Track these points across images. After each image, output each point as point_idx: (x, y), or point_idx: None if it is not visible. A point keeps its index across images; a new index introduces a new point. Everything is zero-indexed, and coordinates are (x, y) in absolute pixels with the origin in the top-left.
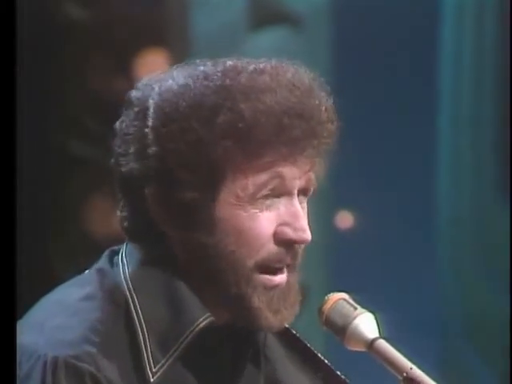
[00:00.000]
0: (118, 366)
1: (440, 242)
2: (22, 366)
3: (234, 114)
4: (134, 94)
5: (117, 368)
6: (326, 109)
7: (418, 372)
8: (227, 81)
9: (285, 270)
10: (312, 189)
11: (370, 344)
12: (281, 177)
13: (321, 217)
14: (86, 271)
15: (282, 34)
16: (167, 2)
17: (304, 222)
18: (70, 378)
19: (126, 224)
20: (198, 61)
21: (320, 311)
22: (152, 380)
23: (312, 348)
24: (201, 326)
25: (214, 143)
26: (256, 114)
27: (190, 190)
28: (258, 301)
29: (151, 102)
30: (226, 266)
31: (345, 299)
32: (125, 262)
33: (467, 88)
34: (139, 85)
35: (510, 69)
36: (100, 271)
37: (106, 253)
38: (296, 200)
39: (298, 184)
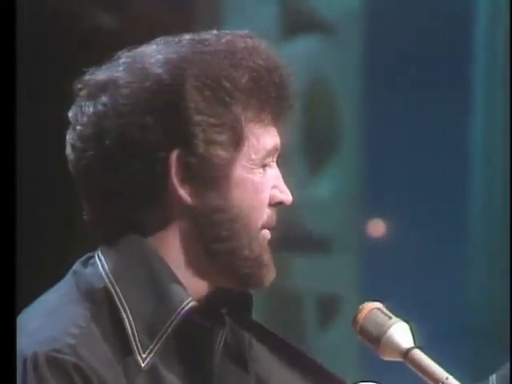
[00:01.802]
0: (101, 355)
1: (472, 250)
2: None
3: (249, 71)
4: (136, 66)
5: (100, 357)
6: (291, 71)
7: (454, 382)
8: (230, 41)
9: None
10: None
11: (405, 354)
12: (276, 148)
13: (352, 225)
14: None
15: (314, 42)
16: (199, 11)
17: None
18: (53, 370)
19: (98, 222)
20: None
21: (354, 320)
22: (143, 365)
23: (300, 349)
24: (186, 308)
25: (241, 102)
26: (260, 72)
27: (220, 149)
28: (267, 257)
29: (162, 71)
30: (240, 230)
31: (379, 308)
32: (102, 259)
33: (502, 90)
34: (119, 61)
35: None
36: (74, 273)
37: (81, 259)
38: (275, 163)
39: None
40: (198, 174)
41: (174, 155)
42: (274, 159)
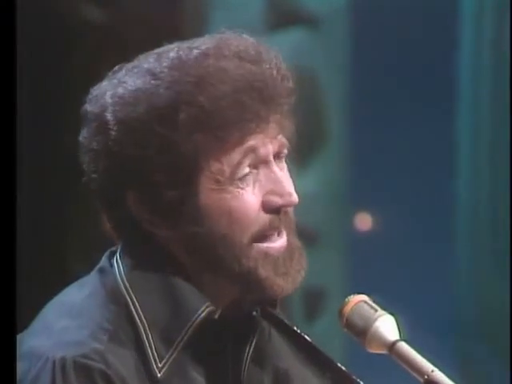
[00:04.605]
0: (126, 362)
1: (457, 242)
2: (31, 370)
3: (194, 107)
4: (88, 108)
5: (125, 364)
6: (278, 70)
7: (439, 375)
8: (176, 75)
9: (283, 233)
10: (286, 151)
11: (391, 346)
12: (253, 150)
13: (338, 219)
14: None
15: (300, 35)
16: (184, 3)
17: (288, 185)
18: (80, 376)
19: (112, 226)
20: (140, 56)
21: (340, 313)
22: (159, 375)
23: (318, 347)
24: (201, 316)
25: (182, 141)
26: (215, 101)
27: (169, 189)
28: (264, 271)
29: (108, 115)
30: (222, 250)
31: (365, 301)
32: (119, 262)
33: (487, 87)
34: (90, 97)
35: None
36: (100, 271)
37: (107, 253)
38: (274, 166)
39: (271, 150)
40: (162, 213)
41: (131, 202)
42: (269, 161)
